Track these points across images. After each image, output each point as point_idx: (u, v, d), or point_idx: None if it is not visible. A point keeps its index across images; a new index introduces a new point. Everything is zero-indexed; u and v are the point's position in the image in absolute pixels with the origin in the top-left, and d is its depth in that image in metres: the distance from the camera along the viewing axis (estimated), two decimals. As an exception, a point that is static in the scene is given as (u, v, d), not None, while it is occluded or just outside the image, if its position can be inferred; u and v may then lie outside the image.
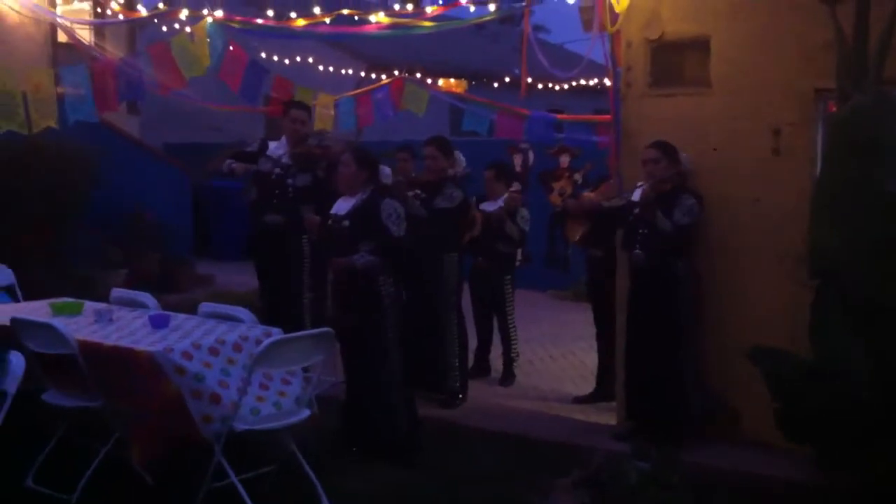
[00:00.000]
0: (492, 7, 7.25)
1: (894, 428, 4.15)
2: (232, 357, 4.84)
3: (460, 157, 7.11)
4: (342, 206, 5.80)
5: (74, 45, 9.01)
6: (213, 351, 4.78)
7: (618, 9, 6.10)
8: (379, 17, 7.64)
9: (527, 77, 7.20)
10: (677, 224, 5.74)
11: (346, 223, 5.67)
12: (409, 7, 7.73)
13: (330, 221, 5.82)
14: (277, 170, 6.98)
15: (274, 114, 8.56)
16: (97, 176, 10.01)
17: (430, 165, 6.97)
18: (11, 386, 4.17)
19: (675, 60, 6.17)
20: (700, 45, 6.02)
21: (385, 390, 5.68)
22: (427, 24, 7.50)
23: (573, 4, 6.64)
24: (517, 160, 12.01)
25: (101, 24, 10.64)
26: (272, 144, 7.15)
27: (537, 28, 26.22)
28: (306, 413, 4.90)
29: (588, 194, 7.21)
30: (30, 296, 6.54)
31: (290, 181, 6.96)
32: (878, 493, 4.22)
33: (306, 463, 4.84)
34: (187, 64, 7.63)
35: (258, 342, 4.86)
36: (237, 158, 7.15)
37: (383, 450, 5.59)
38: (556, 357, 8.81)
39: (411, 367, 5.98)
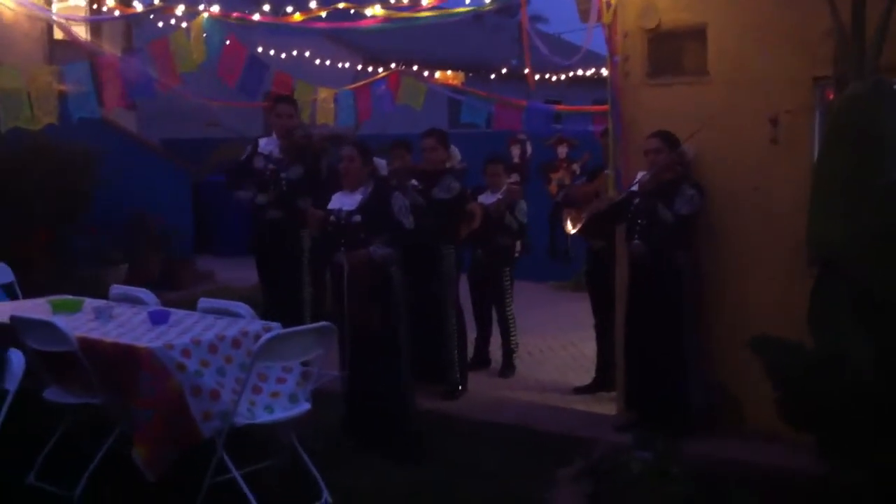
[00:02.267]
0: (488, -3, 7.24)
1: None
2: (230, 355, 4.85)
3: (455, 151, 7.10)
4: (346, 200, 5.76)
5: (72, 42, 8.99)
6: (213, 348, 4.78)
7: (613, -1, 6.10)
8: (375, 11, 7.62)
9: (531, 71, 7.17)
10: (678, 214, 5.74)
11: (358, 218, 5.65)
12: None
13: (333, 217, 5.78)
14: (271, 165, 7.00)
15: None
16: (98, 175, 10.00)
17: (429, 157, 6.95)
18: (12, 384, 4.18)
19: (672, 50, 6.15)
20: (697, 35, 6.00)
21: (397, 383, 5.70)
22: (423, 14, 7.48)
23: (570, -7, 6.63)
24: (515, 151, 12.03)
25: (96, 21, 10.62)
26: (262, 141, 7.17)
27: (535, 18, 26.20)
28: (305, 407, 4.91)
29: (583, 186, 7.20)
30: (30, 295, 6.53)
31: (283, 174, 6.98)
32: (882, 486, 4.22)
33: (307, 456, 4.85)
34: (183, 60, 7.64)
35: (257, 337, 4.85)
36: (236, 173, 7.17)
37: (390, 444, 5.58)
38: (555, 348, 8.81)
39: (413, 360, 5.98)
